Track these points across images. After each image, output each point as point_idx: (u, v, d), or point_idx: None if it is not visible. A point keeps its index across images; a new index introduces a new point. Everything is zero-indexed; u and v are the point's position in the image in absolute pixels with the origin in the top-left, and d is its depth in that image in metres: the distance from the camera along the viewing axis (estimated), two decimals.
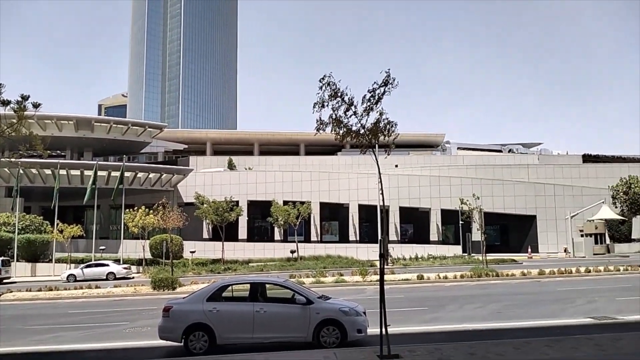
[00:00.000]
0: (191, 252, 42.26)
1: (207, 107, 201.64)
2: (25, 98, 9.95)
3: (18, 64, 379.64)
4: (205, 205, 44.46)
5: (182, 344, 10.76)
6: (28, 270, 41.65)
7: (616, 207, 32.63)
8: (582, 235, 45.82)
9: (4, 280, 35.04)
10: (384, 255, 9.81)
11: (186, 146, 74.67)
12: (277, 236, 51.92)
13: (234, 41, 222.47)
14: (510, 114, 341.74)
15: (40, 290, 25.95)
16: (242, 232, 52.65)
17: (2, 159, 10.89)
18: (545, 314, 14.59)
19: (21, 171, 43.79)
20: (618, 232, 47.29)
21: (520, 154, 76.66)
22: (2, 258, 36.72)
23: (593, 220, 45.42)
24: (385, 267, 32.45)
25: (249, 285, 11.50)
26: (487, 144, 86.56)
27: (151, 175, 52.33)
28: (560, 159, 68.20)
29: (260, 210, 54.06)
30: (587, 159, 66.73)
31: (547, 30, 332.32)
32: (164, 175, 53.03)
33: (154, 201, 39.15)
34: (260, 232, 57.65)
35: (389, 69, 13.06)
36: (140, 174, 51.55)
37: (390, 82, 13.20)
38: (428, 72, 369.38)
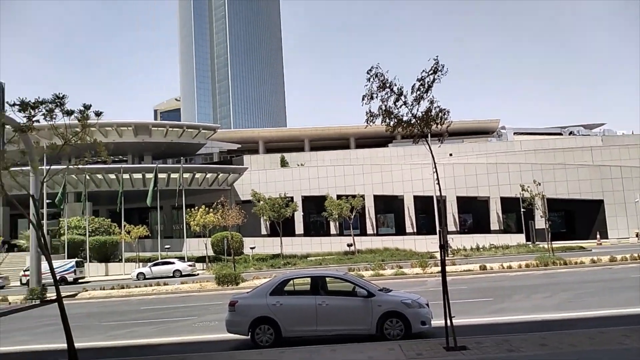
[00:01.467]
0: (251, 248, 43.23)
1: (257, 106, 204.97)
2: (87, 107, 10.33)
3: (77, 73, 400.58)
4: (261, 202, 45.36)
5: (249, 337, 11.07)
6: (100, 270, 44.02)
7: None
8: None
9: (79, 280, 37.24)
10: (444, 246, 9.66)
11: (239, 145, 76.29)
12: (332, 230, 52.18)
13: (278, 38, 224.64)
14: (567, 95, 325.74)
15: (113, 288, 27.40)
16: (299, 227, 53.27)
17: (70, 166, 11.46)
18: (619, 303, 13.89)
19: (88, 177, 46.28)
20: None
21: (582, 136, 72.99)
22: (76, 259, 39.02)
23: None
24: (446, 258, 31.99)
25: (309, 279, 11.64)
26: (546, 128, 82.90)
27: (208, 175, 53.86)
28: (626, 139, 64.27)
29: (314, 205, 54.51)
30: None
31: (595, 9, 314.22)
32: (220, 174, 54.43)
33: (213, 200, 40.32)
34: (316, 227, 58.13)
35: (437, 56, 12.78)
36: (197, 175, 53.18)
37: (439, 69, 12.92)
38: (476, 58, 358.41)
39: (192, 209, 42.63)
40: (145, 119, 70.04)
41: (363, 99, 12.45)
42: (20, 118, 9.20)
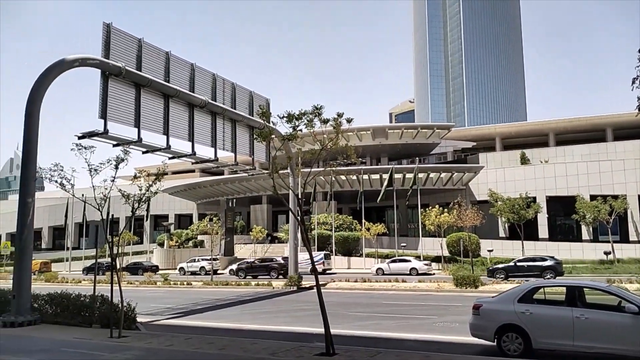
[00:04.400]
0: (489, 250, 41.44)
1: (494, 101, 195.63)
2: (340, 115, 11.32)
3: (320, 83, 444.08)
4: (499, 202, 43.06)
5: (494, 343, 10.61)
6: (344, 263, 47.89)
7: None
8: None
9: (327, 271, 41.14)
10: None
11: (474, 143, 73.81)
12: (584, 235, 46.31)
13: (517, 29, 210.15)
14: None
15: (356, 281, 29.52)
16: (542, 231, 48.80)
17: (326, 169, 12.75)
18: None
19: (333, 178, 50.89)
20: None
21: None
22: (324, 252, 43.23)
23: None
24: None
25: (564, 289, 10.54)
26: None
27: (442, 175, 53.60)
28: None
29: (561, 206, 49.25)
30: None
31: None
32: (455, 174, 53.60)
33: (447, 200, 39.95)
34: (563, 231, 52.45)
35: None
36: (432, 175, 53.41)
37: None
38: None
39: (427, 209, 43.00)
40: (382, 123, 73.70)
41: (633, 82, 10.71)
42: (286, 128, 10.65)
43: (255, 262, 39.52)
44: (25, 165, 15.70)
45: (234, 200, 58.28)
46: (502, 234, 50.46)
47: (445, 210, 40.50)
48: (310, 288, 28.42)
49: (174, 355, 10.08)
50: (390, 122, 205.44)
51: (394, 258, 40.61)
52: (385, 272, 37.47)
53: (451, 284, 25.29)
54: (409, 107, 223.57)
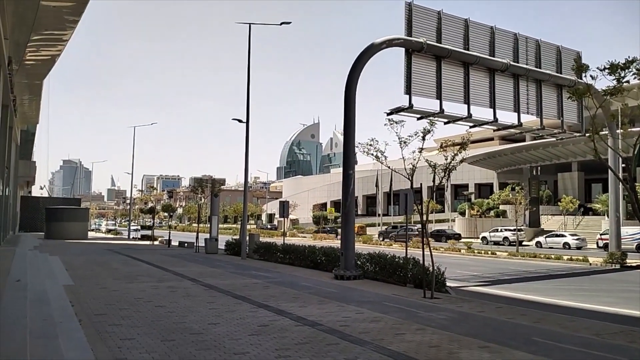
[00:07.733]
0: None
1: None
2: None
3: None
4: None
5: None
6: None
7: None
8: None
9: None
10: None
11: None
12: None
13: None
14: None
15: None
16: None
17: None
18: None
19: None
20: None
21: None
22: None
23: None
24: None
25: None
26: None
27: None
28: None
29: None
30: None
31: None
32: None
33: None
34: None
35: None
36: None
37: None
38: None
39: None
40: None
41: None
42: (609, 81, 9.24)
43: None
44: (346, 143, 18.03)
45: (539, 168, 54.37)
46: None
47: None
48: (638, 267, 24.58)
49: (487, 322, 10.15)
50: None
51: None
52: None
53: None
54: None
